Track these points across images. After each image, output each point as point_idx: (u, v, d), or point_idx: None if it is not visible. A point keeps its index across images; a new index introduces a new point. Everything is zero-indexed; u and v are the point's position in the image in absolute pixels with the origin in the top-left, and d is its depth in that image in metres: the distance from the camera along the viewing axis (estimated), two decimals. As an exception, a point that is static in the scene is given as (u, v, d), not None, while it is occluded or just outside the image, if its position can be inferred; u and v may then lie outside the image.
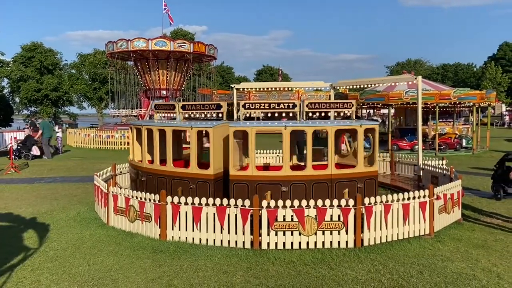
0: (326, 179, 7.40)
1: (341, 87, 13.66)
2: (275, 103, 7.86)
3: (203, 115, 8.38)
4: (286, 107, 7.80)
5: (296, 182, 7.34)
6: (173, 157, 8.00)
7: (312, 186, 7.35)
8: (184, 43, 29.18)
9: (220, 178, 7.73)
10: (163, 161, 8.10)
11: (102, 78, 52.88)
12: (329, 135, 7.43)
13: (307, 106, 7.85)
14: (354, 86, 12.83)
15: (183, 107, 8.58)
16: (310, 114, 7.90)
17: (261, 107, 7.89)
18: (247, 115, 7.92)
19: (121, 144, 24.69)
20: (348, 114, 8.15)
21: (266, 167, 8.59)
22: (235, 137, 7.48)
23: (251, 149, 7.40)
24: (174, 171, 7.95)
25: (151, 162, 8.40)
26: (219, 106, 8.05)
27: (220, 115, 8.09)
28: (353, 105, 8.01)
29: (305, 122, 7.63)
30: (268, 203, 6.54)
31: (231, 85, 14.25)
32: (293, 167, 8.21)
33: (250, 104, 7.92)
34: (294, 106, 7.75)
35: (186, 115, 8.61)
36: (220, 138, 7.78)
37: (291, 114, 7.84)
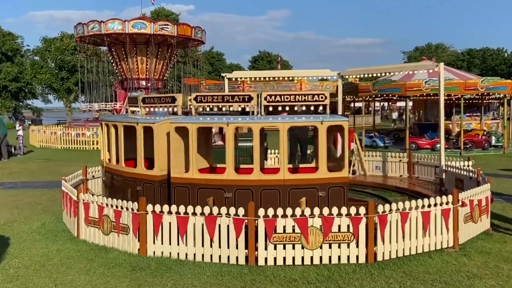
0: (277, 185, 7.27)
1: (351, 76, 13.70)
2: (229, 95, 7.90)
3: (165, 109, 8.44)
4: (241, 100, 7.75)
5: (241, 188, 7.30)
6: (143, 156, 8.01)
7: (260, 193, 7.29)
8: (167, 25, 29.15)
9: (165, 180, 7.83)
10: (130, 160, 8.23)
11: (70, 67, 52.64)
12: (280, 133, 7.38)
13: (265, 98, 7.70)
14: (366, 75, 12.84)
15: (143, 101, 8.75)
16: (271, 109, 7.71)
17: (214, 100, 7.89)
18: (207, 109, 7.96)
19: (93, 144, 24.62)
20: (321, 109, 7.92)
21: (213, 170, 8.48)
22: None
23: (192, 148, 7.47)
24: (124, 171, 8.24)
25: (110, 161, 8.78)
26: (173, 100, 8.10)
27: (175, 109, 8.12)
28: (326, 98, 7.75)
29: (256, 118, 7.62)
30: (266, 212, 6.55)
31: (222, 74, 14.23)
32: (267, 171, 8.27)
33: (202, 97, 7.97)
34: (250, 99, 7.68)
35: (147, 110, 8.73)
36: (165, 135, 7.87)
37: (247, 109, 7.76)
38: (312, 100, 7.76)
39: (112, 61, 31.96)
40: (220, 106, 7.90)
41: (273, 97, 7.74)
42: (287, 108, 7.86)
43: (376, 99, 25.29)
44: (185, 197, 7.42)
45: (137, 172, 7.97)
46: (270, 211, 6.54)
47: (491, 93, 21.13)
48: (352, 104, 34.68)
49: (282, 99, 7.74)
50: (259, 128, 7.37)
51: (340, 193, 7.38)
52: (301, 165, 9.14)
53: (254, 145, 7.46)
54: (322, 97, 7.77)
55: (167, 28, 28.69)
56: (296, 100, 7.78)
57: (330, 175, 7.44)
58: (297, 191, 7.30)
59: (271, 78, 19.83)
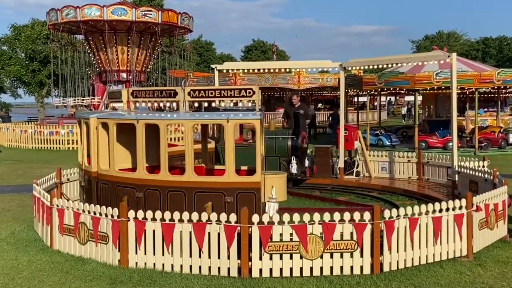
0: (182, 187, 7.50)
1: (354, 68, 13.73)
2: (159, 90, 8.40)
3: (148, 104, 8.97)
4: (167, 95, 8.14)
5: (150, 188, 7.65)
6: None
7: (167, 195, 7.53)
8: (150, 11, 29.07)
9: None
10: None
11: (43, 57, 52.31)
12: (185, 130, 7.66)
13: (188, 94, 7.92)
14: (371, 67, 12.89)
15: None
16: (197, 104, 8.15)
17: (147, 95, 8.45)
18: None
19: (68, 143, 24.53)
20: (250, 104, 8.13)
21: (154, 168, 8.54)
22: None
23: (112, 143, 8.03)
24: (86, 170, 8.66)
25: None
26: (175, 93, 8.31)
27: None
28: (254, 93, 7.81)
29: (163, 114, 8.12)
30: (261, 219, 6.55)
31: (211, 66, 14.24)
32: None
33: (138, 92, 8.55)
34: (175, 94, 8.00)
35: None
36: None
37: (174, 105, 8.18)
38: (239, 95, 7.91)
39: (89, 51, 31.79)
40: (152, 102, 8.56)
41: (197, 92, 8.05)
42: (214, 104, 8.24)
43: (382, 93, 25.41)
44: (107, 194, 8.13)
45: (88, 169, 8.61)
46: (265, 218, 6.55)
47: (508, 86, 21.24)
48: (355, 99, 34.77)
49: (206, 94, 8.00)
50: (165, 124, 7.69)
51: (252, 199, 7.41)
52: (217, 166, 9.45)
53: (161, 143, 7.68)
54: (249, 92, 7.86)
55: (151, 14, 28.60)
56: (222, 95, 7.98)
57: (239, 179, 7.51)
58: (203, 194, 7.43)
59: (266, 70, 19.79)
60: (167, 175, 7.62)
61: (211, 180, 7.86)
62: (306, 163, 12.66)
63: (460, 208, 7.17)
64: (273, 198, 7.89)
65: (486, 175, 9.64)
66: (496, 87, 20.91)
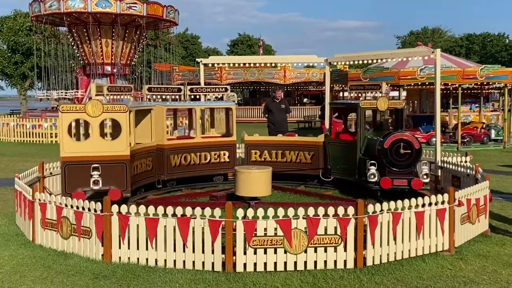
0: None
1: (339, 63, 13.78)
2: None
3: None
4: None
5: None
6: None
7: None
8: (135, 3, 28.77)
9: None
10: None
11: (25, 49, 51.65)
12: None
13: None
14: (356, 62, 12.94)
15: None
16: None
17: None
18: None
19: (51, 136, 24.27)
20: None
21: None
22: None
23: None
24: None
25: None
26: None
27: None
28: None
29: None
30: (245, 213, 6.55)
31: (197, 60, 14.22)
32: None
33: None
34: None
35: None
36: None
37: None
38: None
39: (73, 43, 31.44)
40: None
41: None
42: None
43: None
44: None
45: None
46: (250, 213, 6.56)
47: (491, 83, 21.50)
48: (341, 94, 34.88)
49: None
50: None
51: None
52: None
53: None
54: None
55: (135, 7, 28.35)
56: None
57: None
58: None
59: (252, 65, 19.76)
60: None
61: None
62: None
63: (443, 203, 7.24)
64: None
65: (468, 171, 9.75)
66: (479, 83, 21.14)
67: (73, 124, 9.76)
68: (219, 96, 13.02)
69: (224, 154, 11.99)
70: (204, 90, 13.04)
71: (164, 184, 11.31)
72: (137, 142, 10.38)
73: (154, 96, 12.28)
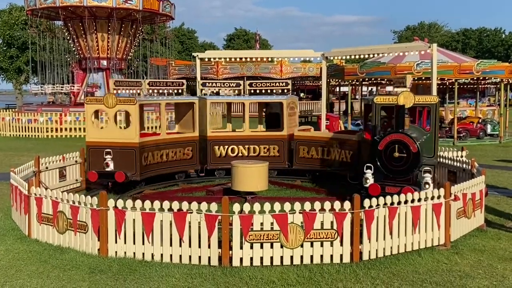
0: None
1: (336, 58, 13.82)
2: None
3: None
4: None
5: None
6: None
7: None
8: (131, -3, 28.61)
9: None
10: None
11: (21, 43, 51.35)
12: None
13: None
14: (352, 56, 12.98)
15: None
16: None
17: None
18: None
19: (47, 131, 24.19)
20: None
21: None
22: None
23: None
24: None
25: None
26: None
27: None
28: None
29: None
30: (242, 208, 6.55)
31: (193, 54, 14.23)
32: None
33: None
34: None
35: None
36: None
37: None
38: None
39: (68, 37, 31.26)
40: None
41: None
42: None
43: (363, 83, 25.47)
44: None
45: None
46: (246, 207, 6.55)
47: (487, 78, 21.51)
48: (337, 89, 34.85)
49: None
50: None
51: None
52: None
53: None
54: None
55: (131, 1, 28.18)
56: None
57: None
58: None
59: (248, 59, 19.74)
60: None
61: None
62: None
63: (439, 197, 7.26)
64: None
65: (464, 165, 9.77)
66: (475, 78, 21.15)
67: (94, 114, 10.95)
68: (280, 91, 13.22)
69: (274, 148, 11.98)
70: (264, 84, 13.46)
71: (210, 173, 12.05)
72: (177, 132, 12.01)
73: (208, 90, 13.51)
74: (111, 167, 10.32)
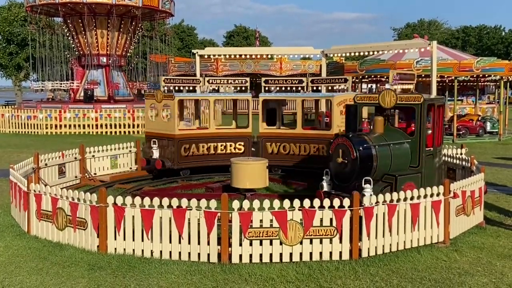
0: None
1: (336, 55, 13.77)
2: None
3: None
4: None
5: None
6: None
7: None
8: (131, -6, 28.55)
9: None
10: None
11: (20, 40, 51.28)
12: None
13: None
14: (352, 54, 12.95)
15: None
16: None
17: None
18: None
19: (47, 128, 24.17)
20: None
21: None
22: None
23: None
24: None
25: None
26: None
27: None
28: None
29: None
30: (241, 205, 6.55)
31: (193, 51, 14.20)
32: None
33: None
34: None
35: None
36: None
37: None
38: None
39: (68, 34, 31.20)
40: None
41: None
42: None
43: (363, 80, 25.47)
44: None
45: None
46: (246, 204, 6.55)
47: (487, 75, 21.50)
48: (337, 86, 34.75)
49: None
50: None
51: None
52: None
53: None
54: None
55: (131, -3, 28.12)
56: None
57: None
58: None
59: (248, 56, 19.72)
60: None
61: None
62: None
63: (438, 195, 7.26)
64: None
65: (463, 163, 9.78)
66: (475, 76, 21.14)
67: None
68: (340, 87, 13.21)
69: (323, 148, 11.36)
70: (325, 81, 13.70)
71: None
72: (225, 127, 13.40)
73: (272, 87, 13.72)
74: (155, 155, 11.75)
